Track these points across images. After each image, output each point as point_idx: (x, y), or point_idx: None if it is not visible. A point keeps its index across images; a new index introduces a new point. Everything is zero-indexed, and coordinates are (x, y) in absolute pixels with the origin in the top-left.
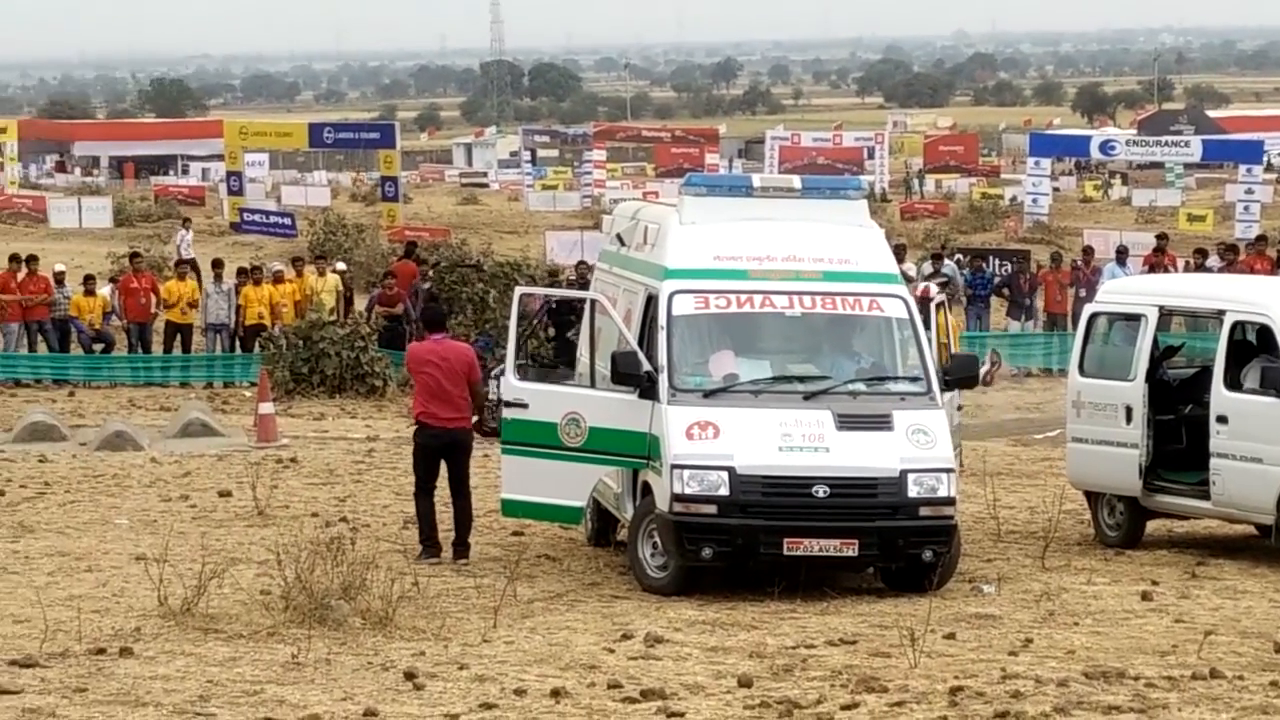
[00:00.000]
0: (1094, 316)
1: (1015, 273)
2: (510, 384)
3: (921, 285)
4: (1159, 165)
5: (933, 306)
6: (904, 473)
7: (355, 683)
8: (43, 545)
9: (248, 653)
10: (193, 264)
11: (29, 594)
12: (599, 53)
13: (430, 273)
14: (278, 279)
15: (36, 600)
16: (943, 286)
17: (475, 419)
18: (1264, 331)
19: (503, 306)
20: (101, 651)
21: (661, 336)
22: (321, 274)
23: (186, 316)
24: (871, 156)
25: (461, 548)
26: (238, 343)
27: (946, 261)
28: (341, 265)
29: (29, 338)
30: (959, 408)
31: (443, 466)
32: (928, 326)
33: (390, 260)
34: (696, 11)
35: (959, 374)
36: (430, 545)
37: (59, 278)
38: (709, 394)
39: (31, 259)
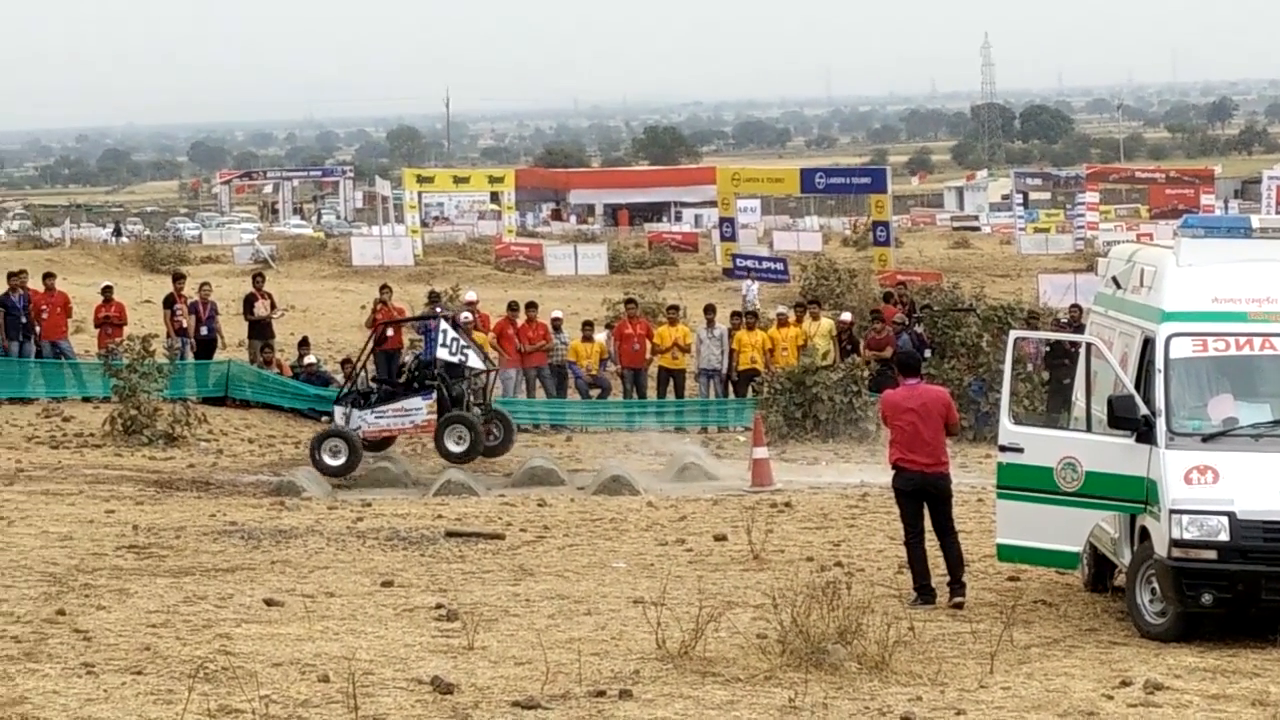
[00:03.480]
0: None
1: None
2: (1005, 428)
3: None
4: None
5: None
6: None
7: None
8: (543, 588)
9: (745, 696)
10: (755, 315)
11: (530, 636)
12: (1091, 94)
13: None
14: (781, 321)
15: (537, 642)
16: None
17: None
18: None
19: (996, 350)
20: (601, 694)
21: (1159, 380)
22: (815, 318)
23: (678, 361)
24: None
25: (957, 586)
26: (730, 387)
27: None
28: (846, 315)
29: (527, 383)
30: None
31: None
32: None
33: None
34: (1191, 51)
35: None
36: (925, 591)
37: (556, 324)
38: (1208, 438)
39: (530, 306)
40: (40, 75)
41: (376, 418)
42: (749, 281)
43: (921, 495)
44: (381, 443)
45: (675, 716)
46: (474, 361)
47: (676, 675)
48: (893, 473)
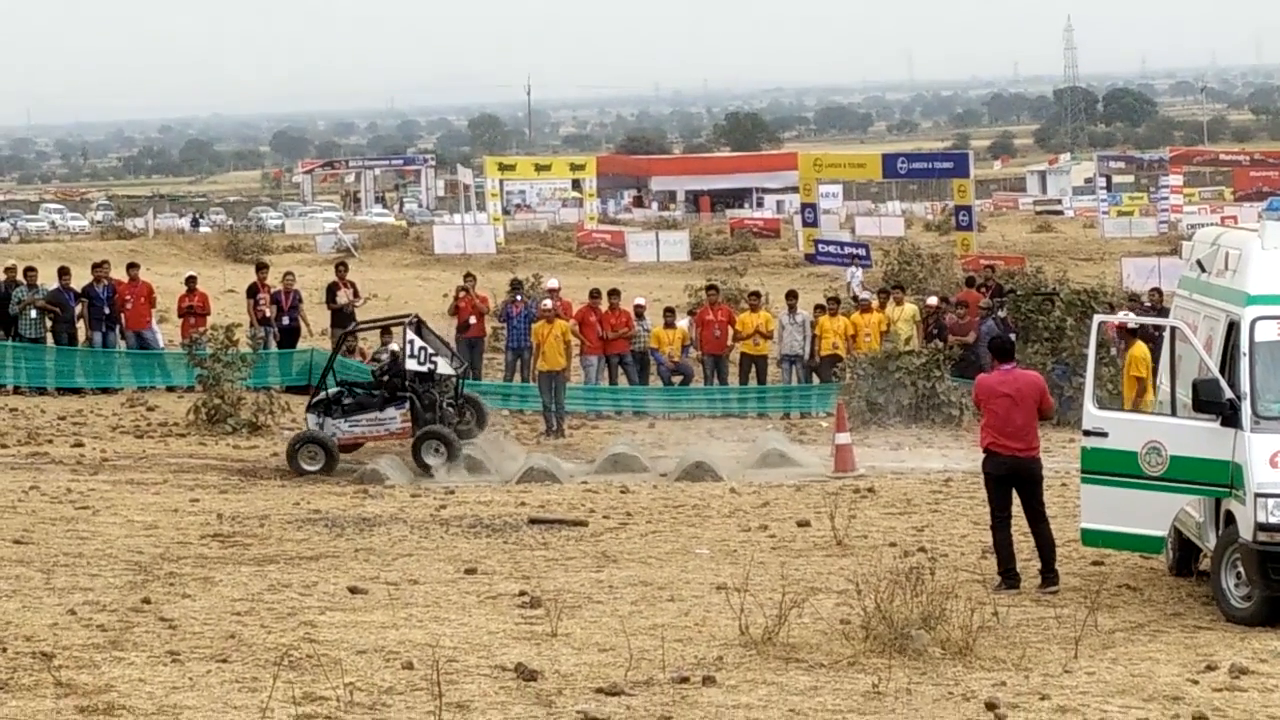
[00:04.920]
0: None
1: None
2: (1089, 413)
3: None
4: None
5: None
6: None
7: (936, 712)
8: (626, 575)
9: (828, 682)
10: (837, 300)
11: (614, 623)
12: (1175, 76)
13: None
14: (865, 308)
15: (621, 629)
16: None
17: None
18: None
19: (1079, 334)
20: (685, 680)
21: (1244, 363)
22: (899, 303)
23: (760, 347)
24: None
25: (1049, 574)
26: (813, 373)
27: None
28: (933, 300)
29: (610, 370)
30: None
31: (1016, 497)
32: None
33: (958, 289)
34: (1275, 32)
35: None
36: (1009, 576)
37: (639, 311)
38: None
39: (613, 293)
40: (123, 67)
41: (350, 426)
42: (854, 268)
43: (1011, 480)
44: (353, 445)
45: (758, 703)
46: (443, 368)
47: (760, 661)
48: (983, 456)
